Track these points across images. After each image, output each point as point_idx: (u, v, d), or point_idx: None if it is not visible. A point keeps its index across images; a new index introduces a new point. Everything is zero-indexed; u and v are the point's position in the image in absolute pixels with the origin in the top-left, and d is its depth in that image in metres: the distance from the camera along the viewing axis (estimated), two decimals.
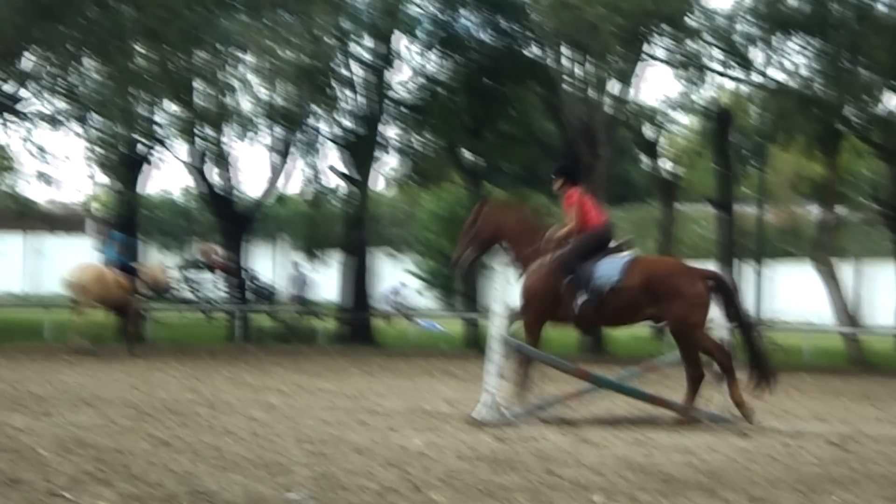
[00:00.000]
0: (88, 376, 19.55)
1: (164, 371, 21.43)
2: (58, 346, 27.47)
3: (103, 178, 39.01)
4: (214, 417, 13.08)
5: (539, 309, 14.53)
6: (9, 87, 30.45)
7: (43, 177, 33.09)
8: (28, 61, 30.17)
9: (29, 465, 9.30)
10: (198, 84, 32.15)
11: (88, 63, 30.32)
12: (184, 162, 35.82)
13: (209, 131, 34.38)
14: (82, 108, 30.54)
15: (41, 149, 32.10)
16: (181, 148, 35.37)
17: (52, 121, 31.34)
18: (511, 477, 9.54)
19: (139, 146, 33.95)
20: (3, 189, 42.80)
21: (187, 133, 33.97)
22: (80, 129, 32.70)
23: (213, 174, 35.88)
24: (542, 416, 13.79)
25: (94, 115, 31.29)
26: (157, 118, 33.01)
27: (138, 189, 35.96)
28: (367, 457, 10.35)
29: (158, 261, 28.63)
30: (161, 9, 27.81)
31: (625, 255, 14.55)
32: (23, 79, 30.19)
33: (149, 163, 35.22)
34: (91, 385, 17.66)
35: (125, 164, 34.59)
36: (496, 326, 13.59)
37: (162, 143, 34.43)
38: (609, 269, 14.21)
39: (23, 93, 30.75)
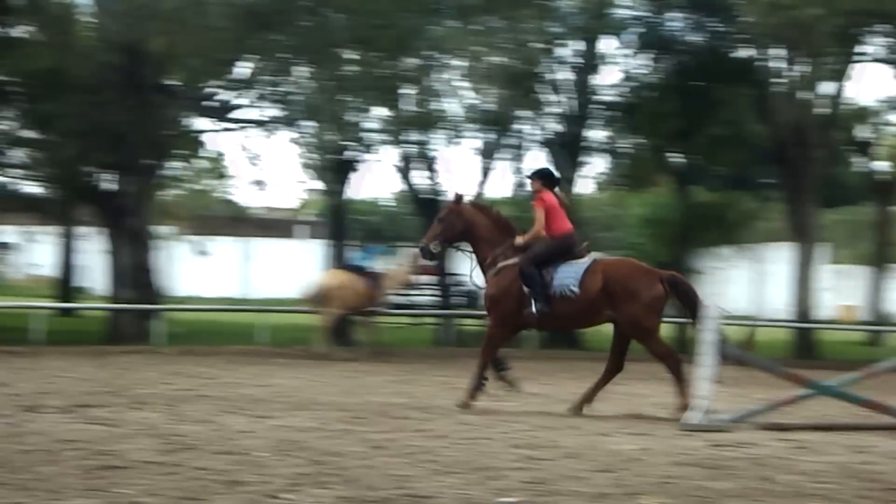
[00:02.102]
0: (302, 379, 19.91)
1: (375, 375, 21.70)
2: (272, 349, 28.06)
3: (314, 183, 39.67)
4: (427, 421, 13.16)
5: (504, 312, 14.92)
6: (225, 96, 31.16)
7: (256, 182, 33.80)
8: (243, 69, 30.83)
9: (248, 467, 9.47)
10: (406, 89, 32.45)
11: (301, 70, 30.86)
12: (392, 166, 36.26)
13: (417, 136, 34.68)
14: (295, 114, 31.08)
15: (255, 155, 32.80)
16: (390, 152, 35.84)
17: (266, 127, 31.96)
18: (727, 483, 9.38)
19: (349, 151, 34.43)
20: (218, 195, 43.92)
21: (395, 138, 34.31)
22: (292, 136, 33.37)
23: (421, 178, 36.22)
24: (756, 421, 13.55)
25: (306, 122, 31.86)
26: (366, 123, 33.42)
27: (348, 193, 36.46)
28: (580, 461, 10.29)
29: (402, 263, 29.23)
30: (372, 16, 28.19)
31: (584, 261, 14.80)
32: (238, 87, 30.86)
33: (358, 167, 35.69)
34: (305, 388, 17.98)
35: (335, 169, 35.09)
36: (708, 331, 13.40)
37: (371, 147, 34.82)
38: (567, 275, 14.53)
39: (238, 100, 31.43)
